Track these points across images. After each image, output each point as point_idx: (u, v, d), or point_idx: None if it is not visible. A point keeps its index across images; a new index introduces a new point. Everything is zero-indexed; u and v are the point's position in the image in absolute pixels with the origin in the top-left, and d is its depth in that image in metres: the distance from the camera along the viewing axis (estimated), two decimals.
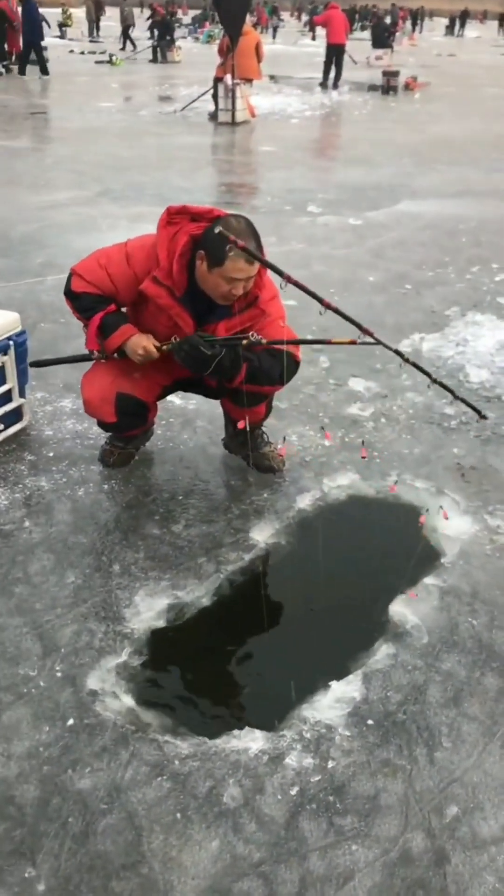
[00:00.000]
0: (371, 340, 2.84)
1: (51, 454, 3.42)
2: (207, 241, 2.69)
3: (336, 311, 2.81)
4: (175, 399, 3.87)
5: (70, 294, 2.90)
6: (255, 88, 15.31)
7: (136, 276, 2.80)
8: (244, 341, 2.79)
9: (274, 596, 2.73)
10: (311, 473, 3.33)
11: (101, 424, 3.20)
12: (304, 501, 3.16)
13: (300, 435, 3.63)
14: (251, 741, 2.12)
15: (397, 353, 2.91)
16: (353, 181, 9.33)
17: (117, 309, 2.88)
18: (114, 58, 24.96)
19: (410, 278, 5.97)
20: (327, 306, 2.79)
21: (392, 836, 1.89)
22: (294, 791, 1.98)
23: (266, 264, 2.73)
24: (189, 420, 3.72)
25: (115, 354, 2.91)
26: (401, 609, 2.60)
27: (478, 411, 3.14)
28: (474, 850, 1.86)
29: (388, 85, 19.05)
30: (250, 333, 2.81)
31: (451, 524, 3.03)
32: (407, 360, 2.93)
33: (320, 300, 2.78)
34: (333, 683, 2.30)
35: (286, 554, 2.90)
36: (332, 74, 19.23)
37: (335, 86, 19.18)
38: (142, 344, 2.82)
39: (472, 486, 3.28)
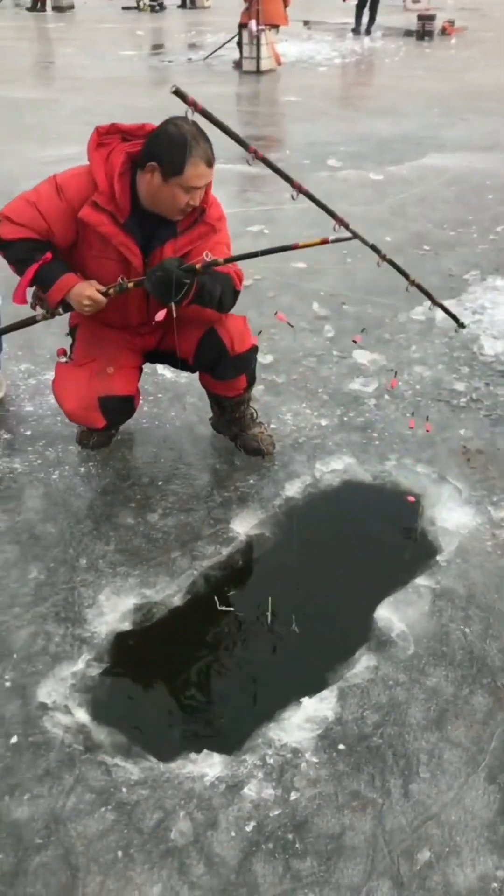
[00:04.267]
0: (347, 235, 2.62)
1: (28, 432, 3.22)
2: (160, 149, 2.40)
3: (308, 194, 2.70)
4: (166, 372, 3.64)
5: (0, 244, 2.58)
6: (282, 35, 14.70)
7: (71, 207, 2.51)
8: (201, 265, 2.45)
9: (250, 596, 2.51)
10: (303, 457, 3.10)
11: (93, 430, 2.94)
12: (293, 488, 2.93)
13: (295, 413, 3.39)
14: (208, 766, 1.93)
15: (373, 248, 2.84)
16: (378, 133, 8.89)
17: (54, 257, 2.56)
18: (141, 3, 24.22)
19: (430, 238, 5.63)
20: (298, 189, 2.65)
21: (354, 885, 1.69)
22: (250, 827, 1.80)
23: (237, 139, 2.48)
24: (179, 395, 3.49)
25: (60, 309, 2.63)
26: (387, 614, 2.38)
27: (456, 319, 3.21)
28: None
29: (422, 30, 18.17)
30: (205, 254, 2.47)
31: (451, 516, 2.79)
32: (384, 258, 2.88)
33: (290, 181, 2.65)
34: (305, 700, 2.09)
35: (268, 548, 2.69)
36: (366, 19, 18.42)
37: (368, 31, 18.37)
38: (85, 294, 2.52)
39: (478, 472, 3.02)
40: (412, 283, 3.00)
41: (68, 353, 2.80)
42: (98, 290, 2.53)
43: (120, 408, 2.78)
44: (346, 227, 2.62)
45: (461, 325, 3.19)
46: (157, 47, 16.57)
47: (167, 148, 2.39)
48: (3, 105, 10.48)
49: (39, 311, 2.70)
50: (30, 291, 2.67)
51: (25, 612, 2.35)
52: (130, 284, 2.53)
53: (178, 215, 2.54)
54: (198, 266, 2.43)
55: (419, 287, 3.07)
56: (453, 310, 4.41)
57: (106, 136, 2.53)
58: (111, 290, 2.54)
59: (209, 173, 2.46)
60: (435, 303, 3.08)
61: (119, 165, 2.46)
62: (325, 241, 2.54)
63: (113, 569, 2.52)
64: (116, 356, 2.75)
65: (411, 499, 2.86)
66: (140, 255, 2.57)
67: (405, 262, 5.06)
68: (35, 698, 2.09)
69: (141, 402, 3.37)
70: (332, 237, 2.55)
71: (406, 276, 3.01)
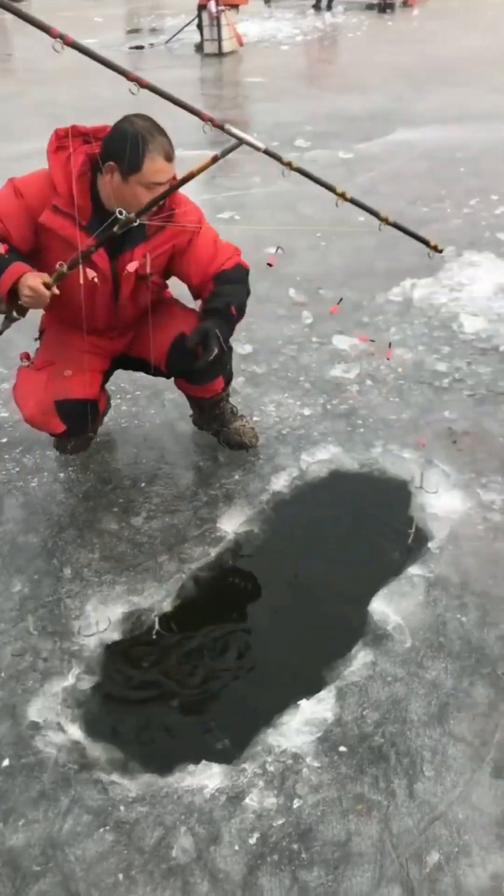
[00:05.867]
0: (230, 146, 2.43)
1: (4, 440, 3.14)
2: (116, 147, 2.33)
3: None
4: None
5: None
6: (243, 15, 14.52)
7: (30, 210, 2.41)
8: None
9: (242, 597, 2.46)
10: (288, 448, 3.04)
11: (54, 436, 2.89)
12: (280, 482, 2.87)
13: (278, 404, 3.32)
14: (207, 778, 1.88)
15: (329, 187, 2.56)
16: (345, 110, 8.78)
17: (10, 251, 2.42)
18: None
19: (404, 216, 5.46)
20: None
21: (364, 893, 1.65)
22: (254, 839, 1.75)
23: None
24: (157, 392, 3.42)
25: (15, 313, 2.45)
26: (382, 607, 2.33)
27: (426, 242, 2.85)
28: None
29: (384, 3, 18.07)
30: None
31: (441, 501, 2.74)
32: (343, 196, 2.59)
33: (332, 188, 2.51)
34: (303, 702, 2.04)
35: (258, 546, 2.63)
36: None
37: (329, 7, 18.23)
38: (28, 283, 2.30)
39: (465, 454, 2.97)
40: (384, 221, 2.79)
41: (31, 357, 2.71)
42: (44, 283, 2.33)
43: (78, 411, 2.69)
44: (221, 127, 2.44)
45: (437, 249, 2.97)
46: (116, 34, 16.32)
47: (123, 146, 2.31)
48: None
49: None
50: None
51: (11, 627, 2.29)
52: (66, 269, 2.33)
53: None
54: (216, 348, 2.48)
55: (394, 224, 2.86)
56: (429, 288, 4.38)
57: (65, 139, 2.43)
58: (50, 281, 2.33)
59: (169, 168, 2.38)
60: (409, 233, 2.87)
61: (78, 167, 2.38)
62: (216, 159, 2.33)
63: (99, 577, 2.46)
64: (77, 359, 2.67)
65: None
66: (107, 258, 2.48)
67: (380, 242, 5.00)
68: (26, 717, 2.03)
69: (118, 401, 3.32)
70: (219, 153, 2.36)
71: (375, 214, 2.83)
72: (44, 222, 2.41)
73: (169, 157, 2.37)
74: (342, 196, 2.58)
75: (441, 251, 2.92)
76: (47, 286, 2.32)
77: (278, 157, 2.41)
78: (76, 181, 2.37)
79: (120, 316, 2.65)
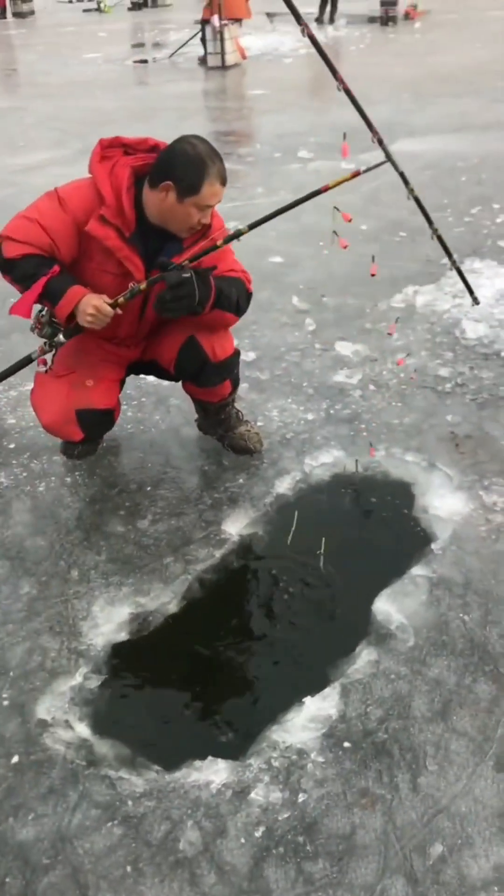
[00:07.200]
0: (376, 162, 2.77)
1: (11, 445, 3.18)
2: (175, 168, 2.38)
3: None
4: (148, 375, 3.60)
5: (5, 265, 2.51)
6: (246, 28, 14.66)
7: (75, 220, 2.46)
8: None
9: (247, 597, 2.49)
10: (291, 452, 3.07)
11: (69, 443, 2.95)
12: (283, 485, 2.90)
13: (281, 409, 3.36)
14: (213, 773, 1.90)
15: (403, 177, 3.32)
16: (348, 122, 8.79)
17: (62, 270, 2.49)
18: (102, 5, 24.13)
19: (405, 225, 5.60)
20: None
21: (368, 884, 1.67)
22: (259, 832, 1.77)
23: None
24: (162, 398, 3.46)
25: (62, 336, 2.60)
26: (385, 606, 2.36)
27: (471, 292, 3.57)
28: None
29: (386, 15, 18.20)
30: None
31: (444, 503, 2.77)
32: (412, 193, 3.08)
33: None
34: (308, 699, 2.07)
35: (262, 547, 2.66)
36: (329, 8, 18.39)
37: (331, 20, 18.36)
38: (92, 303, 2.43)
39: (467, 457, 3.00)
40: (435, 232, 3.13)
41: (49, 362, 2.76)
42: (107, 303, 2.46)
43: (98, 421, 2.77)
44: (381, 143, 2.77)
45: (475, 301, 3.41)
46: (120, 49, 16.48)
47: (183, 167, 2.37)
48: None
49: (35, 348, 2.66)
50: (33, 312, 2.59)
51: (19, 628, 2.32)
52: (143, 286, 2.48)
53: (187, 233, 2.52)
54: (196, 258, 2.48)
55: (440, 239, 3.21)
56: (431, 295, 4.42)
57: (109, 150, 2.50)
58: (120, 300, 2.48)
59: (222, 192, 2.46)
60: (455, 266, 3.28)
61: (126, 179, 2.44)
62: (356, 174, 2.60)
63: (105, 579, 2.49)
64: (97, 368, 2.73)
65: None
66: (143, 269, 2.53)
67: (382, 250, 5.06)
68: (34, 715, 2.06)
69: (124, 407, 3.36)
70: (363, 168, 2.59)
71: (430, 222, 3.13)
72: (90, 231, 2.45)
73: (224, 182, 2.45)
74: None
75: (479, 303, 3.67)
76: (111, 305, 2.45)
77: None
78: (125, 194, 2.43)
79: (142, 326, 2.70)
